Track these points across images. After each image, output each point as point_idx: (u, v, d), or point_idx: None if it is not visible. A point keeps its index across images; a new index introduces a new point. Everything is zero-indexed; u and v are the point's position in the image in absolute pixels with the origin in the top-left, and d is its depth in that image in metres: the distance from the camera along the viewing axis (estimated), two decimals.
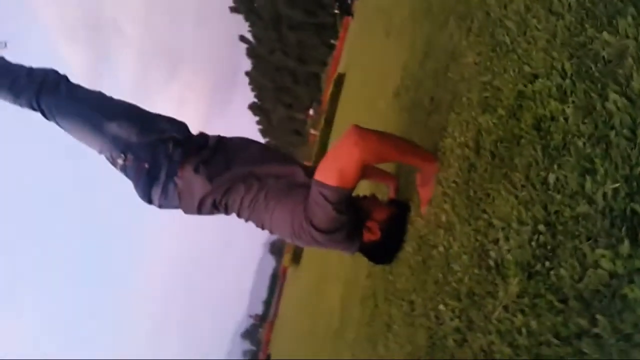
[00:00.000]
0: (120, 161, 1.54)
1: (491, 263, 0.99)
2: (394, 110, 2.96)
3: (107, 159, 1.58)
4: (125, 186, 1.62)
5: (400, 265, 1.71)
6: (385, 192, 2.32)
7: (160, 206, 1.62)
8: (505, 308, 0.87)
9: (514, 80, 1.17)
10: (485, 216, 1.11)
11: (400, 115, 2.71)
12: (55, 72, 1.57)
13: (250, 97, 48.30)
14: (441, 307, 1.17)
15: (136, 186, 1.58)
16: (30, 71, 1.53)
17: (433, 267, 1.36)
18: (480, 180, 1.22)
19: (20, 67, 1.54)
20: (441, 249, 1.34)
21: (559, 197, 0.84)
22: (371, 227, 1.67)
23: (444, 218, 1.40)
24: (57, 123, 1.55)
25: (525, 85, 1.11)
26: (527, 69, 1.12)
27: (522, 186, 0.98)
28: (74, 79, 1.57)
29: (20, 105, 1.54)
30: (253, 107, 48.57)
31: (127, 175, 1.58)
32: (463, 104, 1.52)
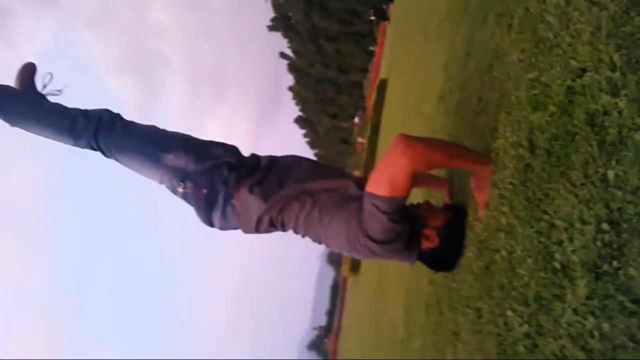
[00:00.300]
0: (180, 189, 1.62)
1: (557, 265, 0.97)
2: (440, 114, 2.93)
3: (168, 188, 1.66)
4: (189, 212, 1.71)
5: (463, 271, 1.69)
6: (439, 197, 2.30)
7: (221, 228, 1.68)
8: (575, 311, 0.86)
9: (561, 75, 1.15)
10: (547, 217, 1.09)
11: (447, 118, 2.68)
12: (109, 112, 1.66)
13: (295, 111, 49.14)
14: (509, 312, 1.16)
15: (197, 212, 1.65)
16: (86, 113, 1.63)
17: (497, 272, 1.34)
18: (537, 180, 1.20)
19: (76, 111, 1.63)
20: (504, 253, 1.32)
21: (620, 193, 0.82)
22: (429, 235, 1.65)
23: (503, 221, 1.38)
24: (117, 159, 1.65)
25: (573, 80, 1.08)
26: (573, 63, 1.10)
27: (582, 184, 0.96)
28: (126, 113, 1.67)
29: (81, 146, 1.64)
30: (299, 121, 49.33)
31: (188, 202, 1.65)
32: (512, 102, 1.50)
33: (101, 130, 1.60)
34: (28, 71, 1.67)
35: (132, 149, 1.62)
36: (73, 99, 1.69)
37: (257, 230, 1.66)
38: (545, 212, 1.09)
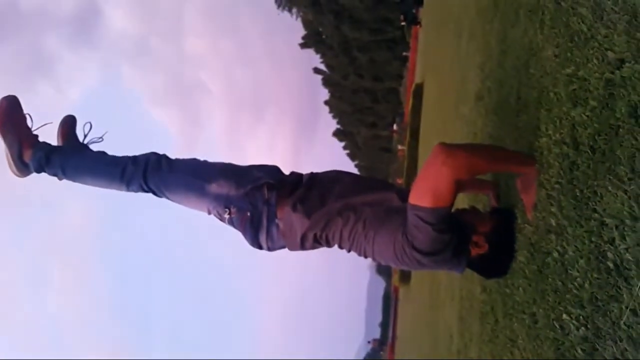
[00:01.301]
0: (226, 215, 1.65)
1: (610, 265, 0.94)
2: (480, 115, 2.88)
3: (216, 216, 1.70)
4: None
5: (516, 276, 1.65)
6: (486, 201, 2.25)
7: (269, 249, 1.70)
8: (634, 312, 0.82)
9: (599, 68, 1.12)
10: (596, 215, 1.05)
11: (487, 119, 2.63)
12: (156, 154, 1.74)
13: (333, 124, 49.46)
14: (564, 316, 1.12)
15: (245, 235, 1.68)
16: (135, 159, 1.71)
17: (550, 275, 1.30)
18: (584, 177, 1.16)
19: (126, 158, 1.72)
20: (555, 255, 1.28)
21: None
22: (477, 241, 1.60)
23: (553, 222, 1.34)
24: (167, 197, 1.72)
25: (612, 73, 1.05)
26: (611, 55, 1.07)
27: (629, 179, 0.92)
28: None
29: (134, 190, 1.72)
30: (337, 134, 49.56)
31: (235, 227, 1.68)
32: (551, 99, 1.46)
33: (149, 172, 1.68)
34: (68, 123, 1.78)
35: (178, 184, 1.69)
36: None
37: (302, 247, 1.67)
38: (594, 210, 1.06)
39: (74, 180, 1.75)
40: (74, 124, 1.79)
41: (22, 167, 1.72)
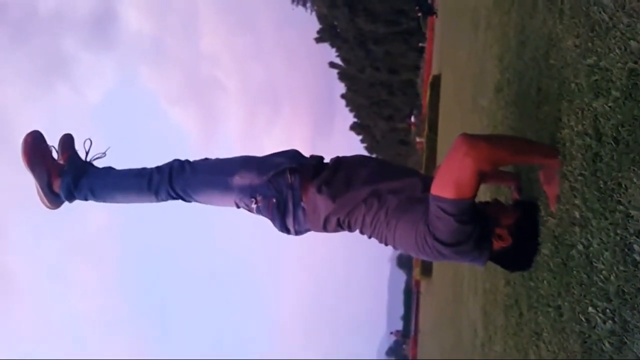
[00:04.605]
0: (253, 205, 1.67)
1: (637, 257, 0.93)
2: (500, 107, 2.85)
3: (244, 208, 1.72)
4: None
5: (540, 269, 1.64)
6: (507, 193, 2.24)
7: (296, 233, 1.72)
8: None
9: (621, 58, 1.10)
10: (621, 207, 1.04)
11: (507, 111, 2.59)
12: (178, 160, 1.77)
13: (349, 118, 49.29)
14: (591, 309, 1.11)
15: (273, 222, 1.70)
16: (158, 168, 1.74)
17: (575, 268, 1.29)
18: (608, 169, 1.15)
19: (150, 169, 1.75)
20: (580, 247, 1.28)
21: None
22: (501, 234, 1.58)
23: (577, 214, 1.33)
24: (196, 200, 1.75)
25: (635, 62, 1.04)
26: (634, 44, 1.05)
27: None
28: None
29: (163, 199, 1.75)
30: (354, 127, 49.37)
31: (263, 215, 1.70)
32: (572, 90, 1.45)
33: (174, 178, 1.71)
34: (67, 143, 1.79)
35: (203, 184, 1.71)
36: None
37: (325, 229, 1.68)
38: (619, 202, 1.05)
39: (105, 201, 1.78)
40: (72, 143, 1.81)
41: (53, 198, 1.75)
